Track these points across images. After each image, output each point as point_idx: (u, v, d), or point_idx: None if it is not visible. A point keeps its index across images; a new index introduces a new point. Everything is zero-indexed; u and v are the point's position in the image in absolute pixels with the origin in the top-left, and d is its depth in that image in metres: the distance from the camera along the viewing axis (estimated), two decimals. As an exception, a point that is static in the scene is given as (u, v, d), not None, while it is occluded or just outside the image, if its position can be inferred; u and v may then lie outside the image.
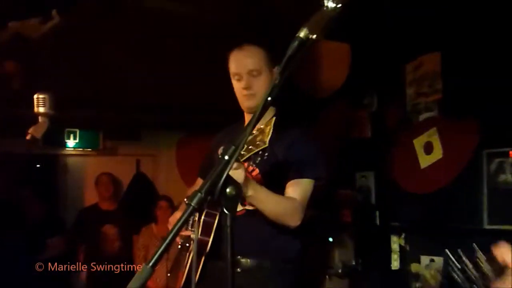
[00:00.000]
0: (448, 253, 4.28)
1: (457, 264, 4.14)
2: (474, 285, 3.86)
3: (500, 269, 1.86)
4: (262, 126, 2.29)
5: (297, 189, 2.62)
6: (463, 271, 4.06)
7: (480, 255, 3.81)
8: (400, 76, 5.03)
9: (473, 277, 3.90)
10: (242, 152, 2.33)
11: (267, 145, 2.25)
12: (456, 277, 4.12)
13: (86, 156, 7.67)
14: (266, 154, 2.64)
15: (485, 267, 3.66)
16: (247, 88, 2.71)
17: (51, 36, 4.20)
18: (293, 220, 2.59)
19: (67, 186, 7.50)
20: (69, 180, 7.48)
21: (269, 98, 1.56)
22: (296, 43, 1.60)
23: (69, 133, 7.31)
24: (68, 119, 6.66)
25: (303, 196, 2.62)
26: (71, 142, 7.35)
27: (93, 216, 6.41)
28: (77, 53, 4.69)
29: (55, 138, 7.09)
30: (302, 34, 1.60)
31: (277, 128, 2.31)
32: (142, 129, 7.74)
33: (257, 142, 2.27)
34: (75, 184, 7.51)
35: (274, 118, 2.29)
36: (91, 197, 7.05)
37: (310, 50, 1.65)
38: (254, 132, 2.32)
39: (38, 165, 7.33)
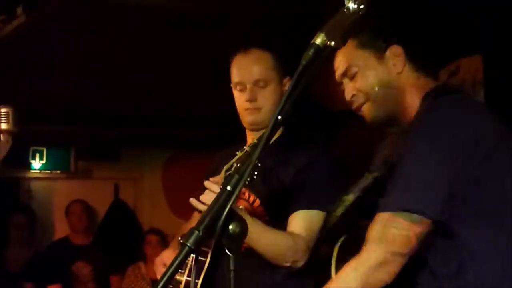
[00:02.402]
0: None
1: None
2: None
3: None
4: (255, 140, 2.33)
5: (303, 223, 2.61)
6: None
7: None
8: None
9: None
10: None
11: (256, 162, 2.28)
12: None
13: (55, 180, 7.69)
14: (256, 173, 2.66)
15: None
16: (251, 100, 2.71)
17: (15, 38, 4.23)
18: (295, 261, 2.56)
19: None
20: (34, 208, 7.49)
21: (279, 117, 1.58)
22: (311, 51, 1.61)
23: (34, 152, 7.33)
24: (33, 136, 6.68)
25: (310, 232, 2.60)
26: (36, 163, 7.37)
27: (63, 252, 6.41)
28: (45, 57, 4.72)
29: (17, 158, 7.10)
30: (318, 40, 1.62)
31: (284, 148, 2.30)
32: (122, 147, 7.76)
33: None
34: (42, 214, 7.52)
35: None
36: (60, 229, 7.06)
37: (328, 59, 1.67)
38: (245, 148, 2.39)
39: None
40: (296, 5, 4.13)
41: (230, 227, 1.53)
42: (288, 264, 2.56)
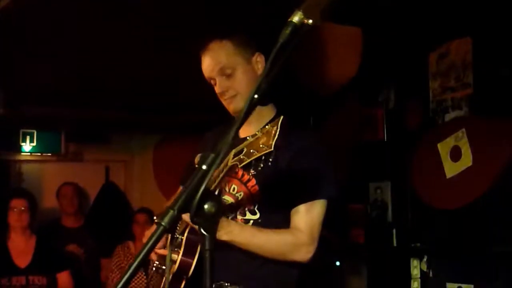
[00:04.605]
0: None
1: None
2: None
3: None
4: (267, 127, 2.33)
5: (304, 217, 2.62)
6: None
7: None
8: (423, 67, 5.04)
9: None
10: (241, 157, 2.37)
11: (272, 149, 2.29)
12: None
13: (45, 163, 7.67)
14: (271, 160, 2.66)
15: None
16: (223, 92, 2.76)
17: (1, 21, 4.20)
18: (299, 256, 2.62)
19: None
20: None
21: (256, 96, 1.56)
22: (288, 30, 1.59)
23: (24, 134, 7.31)
24: (23, 118, 6.65)
25: (312, 224, 2.62)
26: (27, 146, 7.34)
27: (54, 235, 6.38)
28: (33, 39, 4.69)
29: (7, 140, 7.09)
30: (296, 18, 1.60)
31: (283, 130, 2.33)
32: (112, 130, 7.74)
33: (260, 145, 2.30)
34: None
35: (281, 117, 2.33)
36: (51, 212, 7.05)
37: (306, 38, 1.65)
38: (257, 133, 2.38)
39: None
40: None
41: (206, 206, 1.53)
42: (292, 260, 2.63)
